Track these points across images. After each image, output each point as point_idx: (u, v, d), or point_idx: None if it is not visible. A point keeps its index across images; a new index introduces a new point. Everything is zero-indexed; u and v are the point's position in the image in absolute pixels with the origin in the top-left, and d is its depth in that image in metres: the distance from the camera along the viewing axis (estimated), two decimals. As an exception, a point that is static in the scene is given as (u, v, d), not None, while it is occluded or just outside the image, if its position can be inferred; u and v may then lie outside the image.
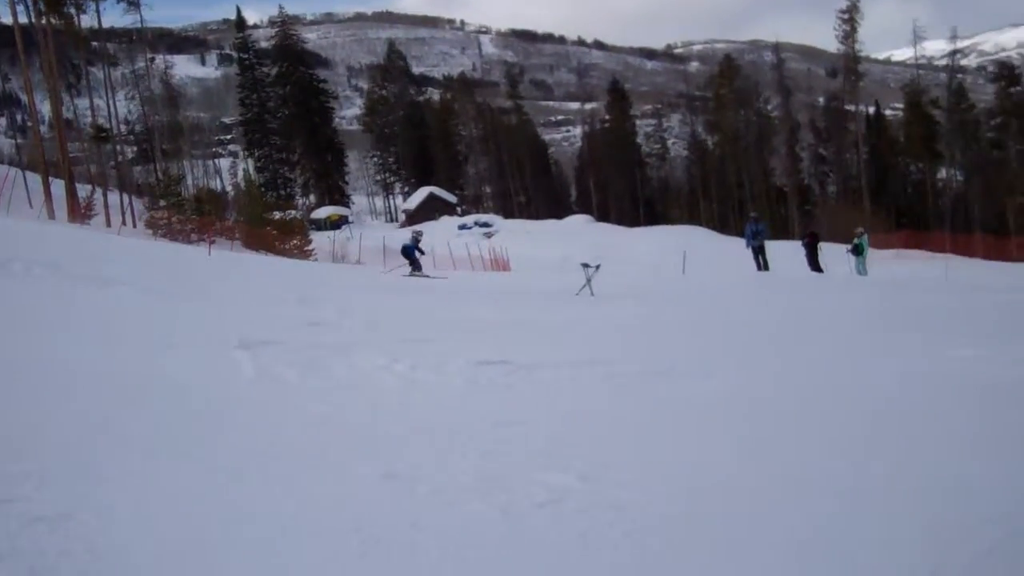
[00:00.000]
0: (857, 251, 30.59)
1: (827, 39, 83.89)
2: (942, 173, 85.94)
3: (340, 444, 5.23)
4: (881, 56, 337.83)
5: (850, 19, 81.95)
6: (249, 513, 3.94)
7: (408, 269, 28.12)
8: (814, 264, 30.09)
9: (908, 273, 34.27)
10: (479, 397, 6.95)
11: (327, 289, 17.19)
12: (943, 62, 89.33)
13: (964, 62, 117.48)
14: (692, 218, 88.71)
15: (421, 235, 30.27)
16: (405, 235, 32.43)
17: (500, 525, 3.92)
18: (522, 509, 4.10)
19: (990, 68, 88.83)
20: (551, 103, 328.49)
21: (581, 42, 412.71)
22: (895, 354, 9.86)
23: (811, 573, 3.65)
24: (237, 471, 4.53)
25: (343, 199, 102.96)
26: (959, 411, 6.90)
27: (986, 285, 27.15)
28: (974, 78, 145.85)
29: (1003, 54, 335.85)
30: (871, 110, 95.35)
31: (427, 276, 26.74)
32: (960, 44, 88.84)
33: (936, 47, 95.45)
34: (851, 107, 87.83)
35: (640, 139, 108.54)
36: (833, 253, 32.54)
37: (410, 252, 28.67)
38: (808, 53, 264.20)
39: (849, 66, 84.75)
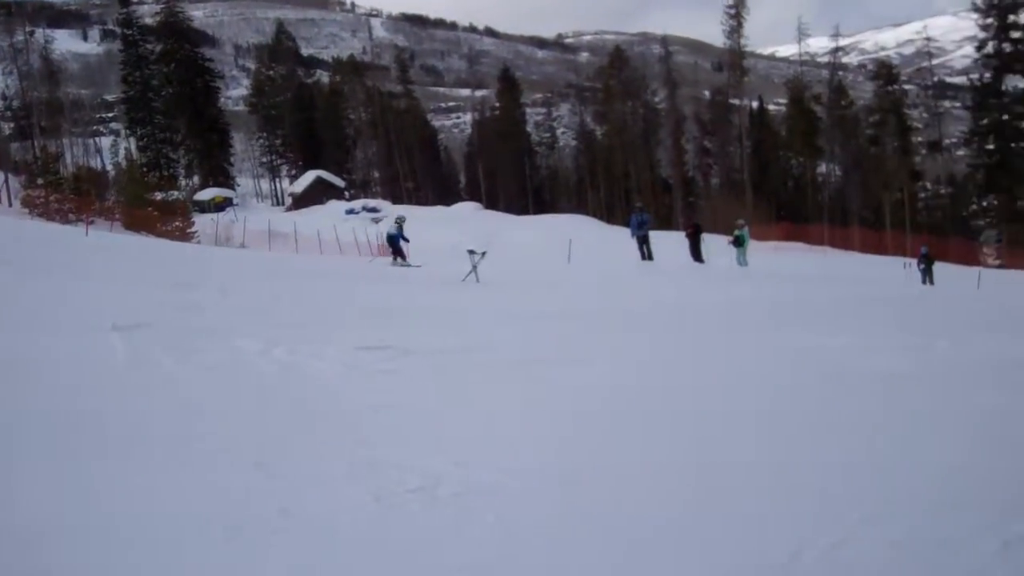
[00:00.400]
0: (738, 243, 31.12)
1: (714, 34, 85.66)
2: (822, 168, 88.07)
3: (211, 431, 5.14)
4: (766, 52, 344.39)
5: (736, 14, 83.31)
6: (110, 499, 3.85)
7: (393, 258, 26.72)
8: (696, 254, 30.55)
9: (787, 264, 35.08)
10: (358, 383, 6.90)
11: (208, 272, 16.86)
12: (826, 59, 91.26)
13: (846, 60, 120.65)
14: (580, 207, 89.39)
15: (404, 220, 28.14)
16: (289, 218, 31.85)
17: (371, 510, 3.90)
18: (395, 494, 4.09)
19: (870, 66, 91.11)
20: (441, 89, 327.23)
21: (472, 29, 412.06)
22: (767, 342, 10.09)
23: (670, 549, 3.73)
24: (100, 457, 4.42)
25: (228, 181, 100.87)
26: (824, 398, 7.11)
27: (861, 277, 28.00)
28: (855, 75, 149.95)
29: (883, 53, 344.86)
30: (755, 105, 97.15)
31: (411, 266, 25.50)
32: (842, 42, 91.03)
33: (819, 44, 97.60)
34: (736, 101, 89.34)
35: (530, 128, 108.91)
36: (715, 244, 33.11)
37: (395, 240, 26.85)
38: (695, 47, 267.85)
39: (734, 61, 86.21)
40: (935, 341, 10.38)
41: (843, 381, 7.89)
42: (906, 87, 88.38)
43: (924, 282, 31.70)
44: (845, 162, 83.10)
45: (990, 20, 65.95)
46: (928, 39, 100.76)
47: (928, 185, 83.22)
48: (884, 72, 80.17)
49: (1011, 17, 65.27)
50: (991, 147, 67.68)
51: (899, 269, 33.42)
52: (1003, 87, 66.54)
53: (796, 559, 3.71)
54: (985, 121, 68.00)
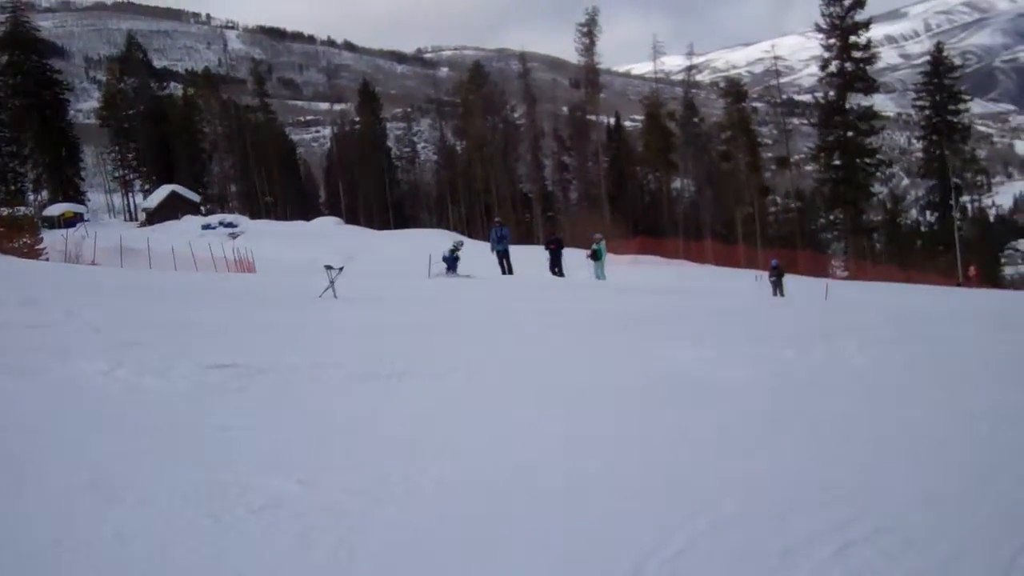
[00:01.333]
0: (595, 256, 31.53)
1: (571, 51, 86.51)
2: (677, 183, 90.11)
3: (48, 453, 4.92)
4: (622, 69, 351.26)
5: (589, 32, 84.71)
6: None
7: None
8: (556, 268, 30.85)
9: (643, 277, 35.72)
10: (205, 402, 6.71)
11: (55, 290, 16.24)
12: (680, 77, 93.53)
13: (699, 78, 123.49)
14: (441, 222, 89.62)
15: (462, 244, 30.16)
16: (142, 234, 31.15)
17: (210, 531, 3.79)
18: (236, 515, 3.99)
19: (722, 84, 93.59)
20: (300, 103, 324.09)
21: (331, 42, 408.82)
22: (622, 353, 10.22)
23: (519, 560, 3.72)
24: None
25: (78, 196, 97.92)
26: (674, 408, 7.24)
27: (714, 289, 28.68)
28: (708, 93, 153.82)
29: (734, 71, 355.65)
30: (612, 121, 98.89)
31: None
32: (695, 61, 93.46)
33: (674, 63, 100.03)
34: (593, 117, 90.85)
35: (390, 142, 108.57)
36: (574, 258, 33.49)
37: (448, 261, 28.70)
38: (554, 63, 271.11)
39: (590, 78, 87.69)
40: (782, 351, 10.68)
41: (693, 391, 8.05)
42: (756, 105, 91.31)
43: (775, 294, 32.65)
44: (699, 177, 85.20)
45: (833, 40, 68.64)
46: (776, 58, 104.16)
47: (778, 199, 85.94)
48: (734, 90, 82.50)
49: (852, 38, 68.04)
50: (837, 162, 70.41)
51: (751, 281, 34.33)
52: (846, 104, 69.24)
53: (640, 570, 3.74)
54: (831, 137, 70.71)
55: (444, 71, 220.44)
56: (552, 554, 3.92)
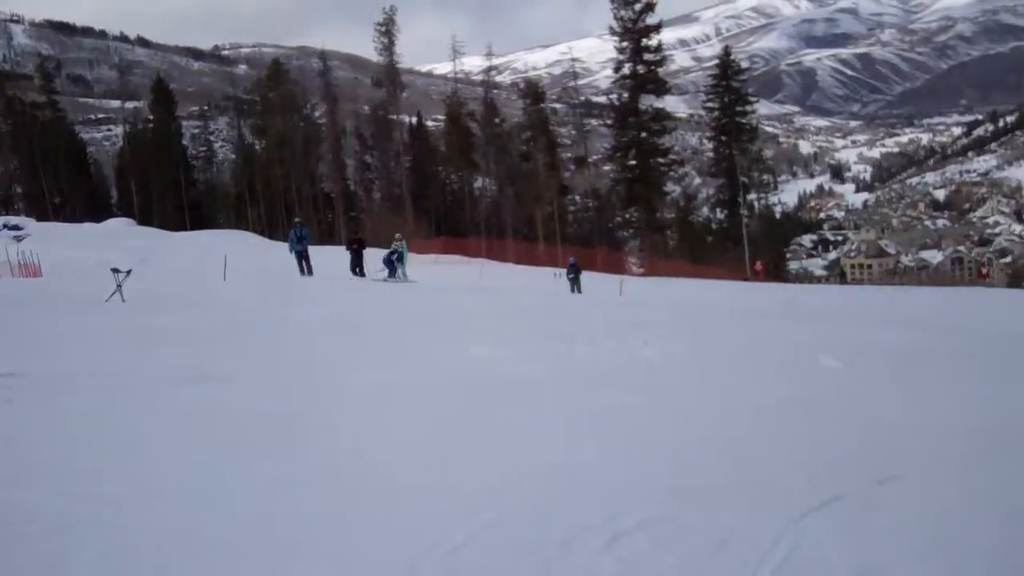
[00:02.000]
0: (398, 257, 31.51)
1: (373, 50, 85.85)
2: (479, 182, 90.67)
3: None
4: (425, 69, 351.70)
5: (387, 32, 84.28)
6: None
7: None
8: (358, 268, 30.68)
9: (446, 277, 35.88)
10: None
11: None
12: (480, 77, 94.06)
13: (499, 78, 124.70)
14: (239, 222, 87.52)
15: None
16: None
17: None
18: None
19: (521, 85, 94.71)
20: (91, 100, 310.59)
21: (124, 38, 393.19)
22: (418, 353, 10.32)
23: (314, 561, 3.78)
24: None
25: None
26: (464, 404, 7.39)
27: (515, 287, 29.13)
28: (508, 93, 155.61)
29: (533, 72, 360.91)
30: (414, 120, 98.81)
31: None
32: (496, 61, 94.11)
33: (474, 63, 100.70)
34: (395, 117, 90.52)
35: (186, 141, 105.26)
36: (377, 258, 33.44)
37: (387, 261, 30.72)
38: (355, 62, 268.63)
39: (391, 77, 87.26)
40: (576, 347, 11.02)
41: (487, 389, 8.21)
42: (555, 105, 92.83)
43: (572, 291, 33.36)
44: (500, 177, 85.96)
45: (626, 43, 70.39)
46: (573, 60, 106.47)
47: (577, 198, 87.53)
48: (532, 91, 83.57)
49: (644, 41, 69.96)
50: (632, 162, 72.31)
51: (551, 279, 34.92)
52: (640, 106, 71.20)
53: (414, 569, 3.85)
54: (625, 138, 72.56)
55: (242, 68, 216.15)
56: (325, 557, 3.98)
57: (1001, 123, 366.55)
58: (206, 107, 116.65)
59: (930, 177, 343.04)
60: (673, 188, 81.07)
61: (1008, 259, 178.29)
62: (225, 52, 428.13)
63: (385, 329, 13.21)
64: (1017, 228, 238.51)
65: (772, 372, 10.01)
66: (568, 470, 5.41)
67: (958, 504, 4.97)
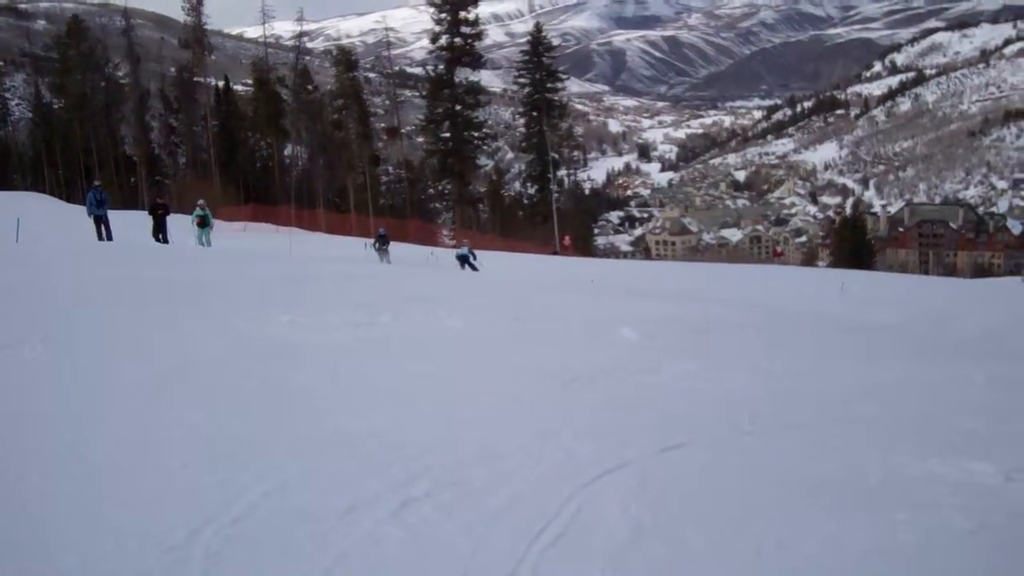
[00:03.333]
0: (202, 223, 30.78)
1: (179, 10, 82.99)
2: (289, 150, 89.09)
3: None
4: (234, 32, 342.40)
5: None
6: None
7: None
8: (160, 235, 29.80)
9: (253, 245, 35.23)
10: None
11: None
12: (292, 43, 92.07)
13: (312, 45, 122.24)
14: (36, 184, 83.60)
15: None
16: None
17: None
18: None
19: (334, 52, 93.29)
20: None
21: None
22: (214, 322, 10.08)
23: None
24: None
25: None
26: (264, 374, 7.29)
27: (323, 256, 28.83)
28: (321, 61, 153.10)
29: (347, 40, 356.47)
30: (221, 84, 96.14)
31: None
32: (308, 28, 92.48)
33: (286, 28, 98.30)
34: (201, 80, 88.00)
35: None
36: (181, 224, 32.50)
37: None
38: (161, 22, 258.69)
39: (197, 38, 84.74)
40: (380, 316, 11.00)
41: (285, 357, 8.12)
42: (369, 75, 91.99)
43: (382, 261, 33.27)
44: (311, 145, 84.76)
45: (444, 15, 70.32)
46: (388, 29, 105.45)
47: (390, 169, 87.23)
48: (345, 59, 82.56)
49: (462, 13, 70.07)
50: (445, 135, 72.46)
51: (361, 249, 34.75)
52: (455, 78, 71.34)
53: (193, 539, 3.80)
54: (439, 110, 72.62)
55: (40, 23, 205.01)
56: (101, 529, 3.89)
57: (799, 108, 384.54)
58: (1, 63, 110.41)
59: (732, 158, 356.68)
60: (486, 162, 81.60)
61: (803, 238, 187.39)
62: (22, 5, 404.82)
63: (180, 296, 12.81)
64: (811, 209, 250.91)
65: (574, 343, 10.25)
66: (361, 438, 5.41)
67: (738, 470, 5.21)
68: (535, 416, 6.31)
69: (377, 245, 34.90)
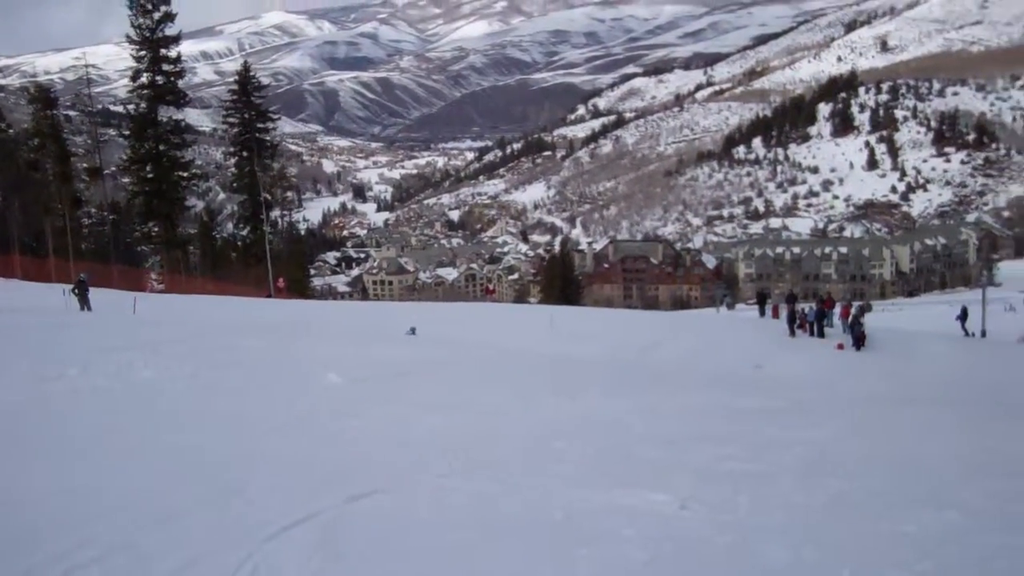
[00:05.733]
0: None
1: None
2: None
3: None
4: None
5: None
6: None
7: None
8: None
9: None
10: None
11: None
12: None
13: (6, 81, 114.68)
14: None
15: None
16: None
17: None
18: None
19: (31, 89, 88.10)
20: None
21: None
22: None
23: None
24: None
25: None
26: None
27: (17, 306, 27.16)
28: (16, 98, 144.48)
29: (45, 77, 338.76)
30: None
31: None
32: (3, 63, 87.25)
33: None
34: None
35: None
36: None
37: None
38: None
39: None
40: (67, 369, 10.50)
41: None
42: (69, 113, 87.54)
43: (82, 308, 31.68)
44: (5, 187, 79.78)
45: (144, 52, 68.03)
46: (88, 66, 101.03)
47: (92, 211, 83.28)
48: (42, 96, 78.37)
49: (163, 51, 68.03)
50: (150, 175, 69.92)
51: (60, 296, 32.96)
52: (159, 117, 69.08)
53: None
54: (143, 150, 70.06)
55: None
56: None
57: (508, 150, 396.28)
58: None
59: (446, 198, 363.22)
60: (195, 203, 79.31)
61: (515, 276, 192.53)
62: None
63: None
64: (523, 247, 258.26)
65: (278, 389, 10.14)
66: (29, 503, 5.16)
67: (426, 514, 5.31)
68: (221, 469, 6.19)
69: (76, 291, 33.20)
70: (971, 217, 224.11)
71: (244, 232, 77.18)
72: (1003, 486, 7.66)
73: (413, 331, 27.09)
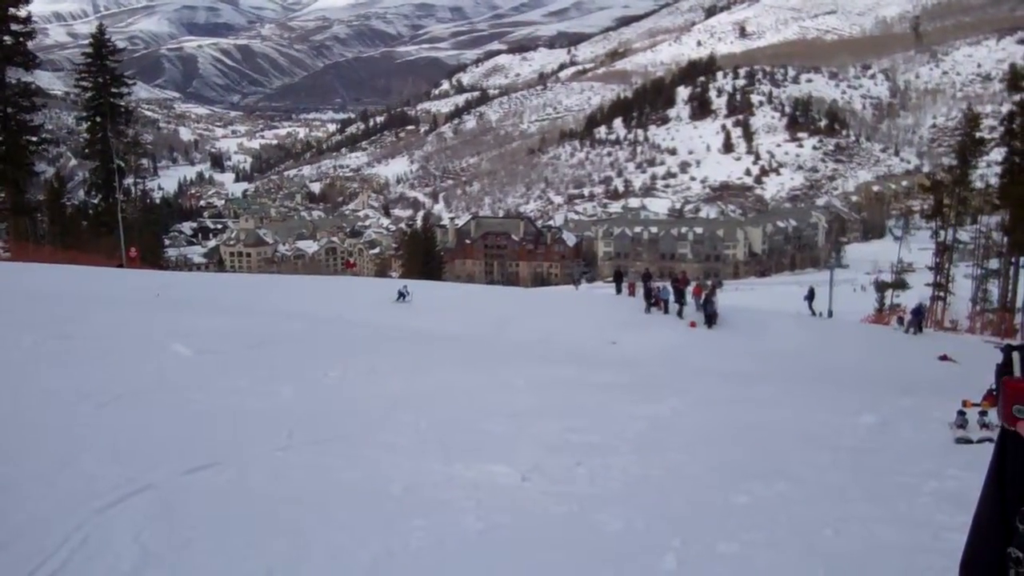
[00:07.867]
0: None
1: None
2: None
3: None
4: None
5: None
6: None
7: None
8: None
9: None
10: None
11: None
12: None
13: None
14: None
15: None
16: None
17: None
18: None
19: None
20: None
21: None
22: None
23: None
24: None
25: None
26: None
27: None
28: None
29: None
30: None
31: None
32: None
33: None
34: None
35: None
36: None
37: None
38: None
39: None
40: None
41: None
42: None
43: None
44: None
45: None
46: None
47: (-68, 176, 79.80)
48: None
49: (11, 10, 65.39)
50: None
51: None
52: (6, 79, 66.45)
53: None
54: (-4, 114, 67.38)
55: None
56: None
57: (371, 123, 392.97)
58: None
59: (307, 170, 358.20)
60: (45, 168, 76.55)
61: (377, 250, 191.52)
62: None
63: None
64: (385, 221, 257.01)
65: (121, 361, 10.02)
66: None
67: (262, 488, 5.39)
68: (54, 442, 6.15)
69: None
70: (821, 201, 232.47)
71: (96, 200, 74.85)
72: (828, 458, 8.14)
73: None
